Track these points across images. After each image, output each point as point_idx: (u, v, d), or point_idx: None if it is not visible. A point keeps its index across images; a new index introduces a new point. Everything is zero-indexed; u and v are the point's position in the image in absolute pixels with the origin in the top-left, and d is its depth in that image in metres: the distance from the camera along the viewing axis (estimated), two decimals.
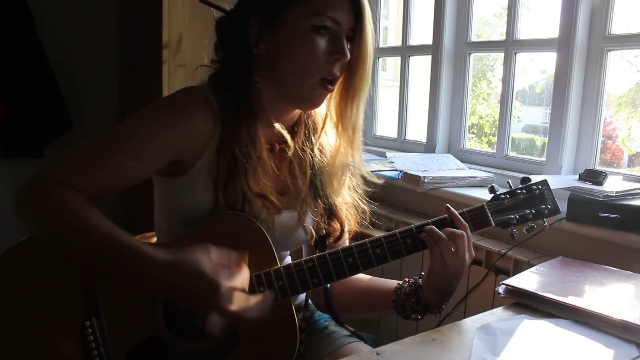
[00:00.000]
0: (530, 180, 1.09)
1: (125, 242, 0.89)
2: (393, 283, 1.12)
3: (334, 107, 1.06)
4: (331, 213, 1.11)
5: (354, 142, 1.06)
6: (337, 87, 1.03)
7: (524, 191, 1.07)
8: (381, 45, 2.45)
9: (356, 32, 0.98)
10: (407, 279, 1.10)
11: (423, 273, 1.07)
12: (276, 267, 0.97)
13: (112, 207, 2.51)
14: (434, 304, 1.05)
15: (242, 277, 0.90)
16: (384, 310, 1.13)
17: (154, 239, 1.22)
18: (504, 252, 1.45)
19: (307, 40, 0.96)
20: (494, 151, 1.96)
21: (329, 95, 1.04)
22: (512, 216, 1.06)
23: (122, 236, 0.90)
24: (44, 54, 2.46)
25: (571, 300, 1.02)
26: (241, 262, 0.92)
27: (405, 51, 2.29)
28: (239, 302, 0.88)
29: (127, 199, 2.63)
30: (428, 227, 1.00)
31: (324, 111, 1.09)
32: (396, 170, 1.92)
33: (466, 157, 2.05)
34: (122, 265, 0.90)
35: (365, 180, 1.13)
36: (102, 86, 2.73)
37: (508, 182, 1.10)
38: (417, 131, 2.31)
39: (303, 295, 1.18)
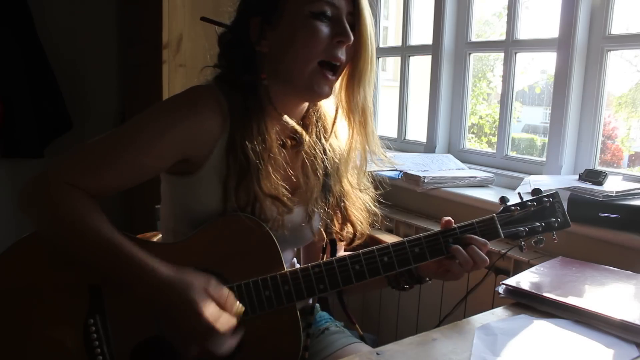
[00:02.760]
0: (541, 192, 1.08)
1: (126, 251, 0.89)
2: None
3: (343, 95, 1.05)
4: (343, 217, 1.11)
5: (366, 126, 1.05)
6: (343, 76, 1.03)
7: (535, 203, 1.05)
8: (381, 45, 2.45)
9: (355, 16, 0.98)
10: None
11: None
12: (283, 271, 0.97)
13: (112, 207, 2.51)
14: (425, 277, 1.09)
15: (228, 319, 0.89)
16: (378, 286, 1.16)
17: (155, 239, 1.22)
18: (504, 252, 1.45)
19: (308, 27, 0.96)
20: (494, 151, 1.96)
21: (337, 88, 1.04)
22: (522, 228, 1.04)
23: (124, 244, 0.90)
24: (44, 54, 2.46)
25: (571, 300, 1.02)
26: (234, 305, 0.91)
27: (405, 51, 2.29)
28: (215, 343, 0.88)
29: (127, 199, 2.63)
30: (468, 236, 1.00)
31: (333, 109, 1.09)
32: (396, 170, 1.92)
33: (466, 157, 2.05)
34: (120, 274, 0.90)
35: (378, 183, 1.13)
36: (102, 86, 2.73)
37: (519, 193, 1.08)
38: (417, 131, 2.31)
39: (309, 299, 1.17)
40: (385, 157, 1.10)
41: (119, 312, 0.94)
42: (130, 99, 2.69)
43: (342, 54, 0.98)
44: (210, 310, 0.86)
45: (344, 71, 1.02)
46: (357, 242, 1.13)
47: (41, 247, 0.95)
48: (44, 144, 2.50)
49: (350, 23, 0.98)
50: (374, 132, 1.07)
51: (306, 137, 1.04)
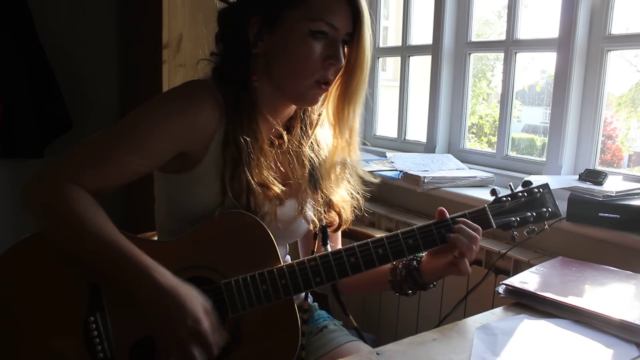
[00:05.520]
0: (531, 183, 1.09)
1: (128, 254, 0.90)
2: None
3: (331, 110, 1.08)
4: (329, 204, 1.14)
5: (351, 143, 1.09)
6: (334, 90, 1.05)
7: (525, 194, 1.08)
8: (381, 45, 2.45)
9: (354, 36, 0.99)
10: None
11: (423, 254, 1.09)
12: (279, 265, 0.98)
13: (112, 206, 2.51)
14: (429, 283, 1.09)
15: (216, 341, 0.91)
16: (380, 289, 1.22)
17: (155, 238, 1.22)
18: (504, 252, 1.45)
19: (303, 44, 0.97)
20: (494, 151, 1.96)
21: (326, 97, 1.07)
22: (513, 219, 1.06)
23: (126, 247, 0.90)
24: (44, 54, 2.46)
25: (571, 300, 1.02)
26: (223, 333, 0.93)
27: (405, 51, 2.29)
28: (200, 354, 0.89)
29: (127, 198, 2.62)
30: (458, 226, 1.01)
31: (319, 104, 1.10)
32: (396, 170, 1.92)
33: (466, 157, 2.05)
34: (121, 274, 0.90)
35: (363, 180, 1.15)
36: (102, 86, 2.73)
37: (510, 185, 1.10)
38: (417, 131, 2.31)
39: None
40: (364, 174, 1.15)
41: (119, 310, 0.95)
42: (131, 99, 2.69)
43: (331, 75, 1.00)
44: (205, 325, 0.88)
45: (336, 85, 1.05)
46: (342, 228, 1.17)
47: (42, 248, 0.95)
48: (44, 144, 2.49)
49: (346, 42, 1.00)
50: (356, 149, 1.10)
51: (286, 139, 1.07)
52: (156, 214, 1.11)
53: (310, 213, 1.11)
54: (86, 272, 0.94)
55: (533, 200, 1.08)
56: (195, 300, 0.89)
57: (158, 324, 0.90)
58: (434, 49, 2.08)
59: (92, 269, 0.93)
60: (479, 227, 1.02)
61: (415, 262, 1.09)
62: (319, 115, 1.11)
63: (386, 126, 2.45)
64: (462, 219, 1.03)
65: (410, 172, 1.84)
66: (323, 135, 1.13)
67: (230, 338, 0.96)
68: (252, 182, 0.99)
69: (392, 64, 2.83)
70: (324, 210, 1.13)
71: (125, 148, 0.94)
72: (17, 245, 0.96)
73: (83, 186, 0.92)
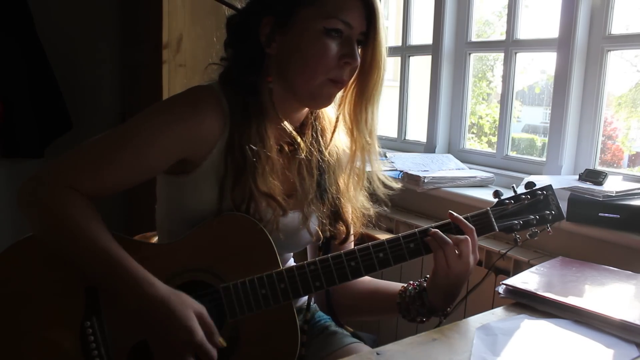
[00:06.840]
0: (535, 185, 1.08)
1: (123, 265, 0.89)
2: (397, 286, 1.12)
3: (347, 112, 1.05)
4: (337, 215, 1.11)
5: (372, 147, 1.05)
6: (349, 93, 1.03)
7: (529, 196, 1.06)
8: None
9: (369, 36, 0.98)
10: (412, 282, 1.10)
11: (428, 276, 1.07)
12: (278, 269, 0.97)
13: (112, 207, 2.51)
14: (439, 306, 1.05)
15: (212, 347, 0.90)
16: (389, 313, 1.12)
17: (155, 239, 1.22)
18: (504, 252, 1.45)
19: (318, 42, 0.95)
20: (494, 151, 1.96)
21: (342, 101, 1.04)
22: (516, 222, 1.05)
23: (121, 258, 0.89)
24: (44, 54, 2.46)
25: (571, 300, 1.02)
26: (219, 337, 0.91)
27: (405, 51, 2.29)
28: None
29: (127, 199, 2.63)
30: (433, 230, 1.00)
31: (333, 114, 1.09)
32: (396, 170, 1.92)
33: (466, 157, 2.05)
34: (113, 284, 0.90)
35: (385, 185, 1.11)
36: (102, 86, 2.73)
37: (513, 187, 1.09)
38: (417, 131, 2.31)
39: (305, 297, 1.17)
40: (387, 179, 1.11)
41: (116, 314, 0.94)
42: (131, 99, 2.69)
43: (346, 75, 0.98)
44: (199, 335, 0.87)
45: (352, 87, 1.02)
46: (349, 241, 1.14)
47: (39, 249, 0.95)
48: (44, 144, 2.49)
49: (360, 41, 0.98)
50: (377, 154, 1.07)
51: (302, 145, 1.04)
52: (157, 213, 1.11)
53: (314, 225, 1.08)
54: (83, 276, 0.93)
55: (536, 202, 1.07)
56: (187, 309, 0.88)
57: (151, 335, 0.90)
58: (434, 49, 2.09)
59: (85, 274, 0.92)
60: (473, 228, 1.00)
61: (425, 283, 1.06)
62: (336, 120, 1.08)
63: (386, 126, 2.45)
64: (459, 218, 1.02)
65: (410, 172, 1.84)
66: (337, 141, 1.11)
67: (228, 343, 0.95)
68: (256, 191, 0.98)
69: (392, 64, 2.83)
70: (330, 222, 1.10)
71: (126, 154, 0.94)
72: (14, 245, 0.95)
73: (81, 190, 0.92)
